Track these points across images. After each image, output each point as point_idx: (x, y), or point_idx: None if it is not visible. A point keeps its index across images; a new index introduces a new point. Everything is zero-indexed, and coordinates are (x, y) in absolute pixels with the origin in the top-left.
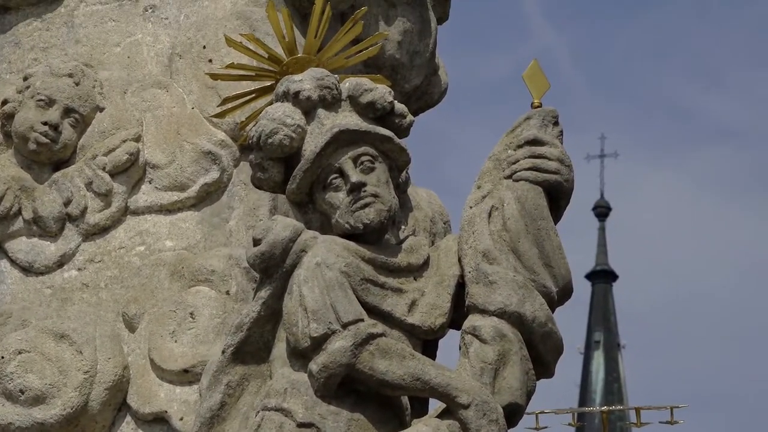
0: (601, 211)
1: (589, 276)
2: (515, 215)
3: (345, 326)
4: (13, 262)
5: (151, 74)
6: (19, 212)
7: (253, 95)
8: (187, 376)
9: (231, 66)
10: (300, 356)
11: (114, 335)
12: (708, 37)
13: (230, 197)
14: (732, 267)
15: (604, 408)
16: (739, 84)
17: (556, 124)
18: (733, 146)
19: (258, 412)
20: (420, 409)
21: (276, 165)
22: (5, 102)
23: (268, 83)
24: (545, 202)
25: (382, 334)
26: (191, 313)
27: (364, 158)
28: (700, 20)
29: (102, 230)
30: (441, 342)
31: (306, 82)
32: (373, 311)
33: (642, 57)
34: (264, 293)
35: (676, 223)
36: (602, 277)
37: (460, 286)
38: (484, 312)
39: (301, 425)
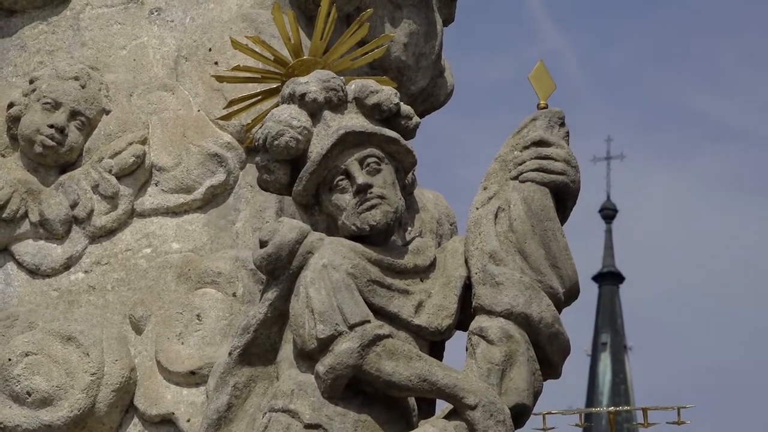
0: (608, 213)
1: (596, 278)
2: (522, 216)
3: (352, 328)
4: (20, 264)
5: (156, 77)
6: (25, 215)
7: (259, 97)
8: (194, 378)
9: (237, 68)
10: (307, 358)
11: (121, 337)
12: (714, 38)
13: (236, 199)
14: (738, 268)
15: (611, 408)
16: (744, 85)
17: (562, 125)
18: (739, 147)
19: (265, 413)
20: (427, 410)
21: (282, 167)
22: (11, 105)
23: (274, 85)
24: (552, 203)
25: (388, 336)
26: (198, 315)
27: (370, 160)
28: (705, 22)
29: (108, 233)
30: (448, 343)
31: (312, 84)
32: (380, 313)
33: (648, 59)
34: (271, 295)
35: (683, 224)
36: (609, 278)
37: (467, 288)
38: (490, 313)
39: (308, 426)
